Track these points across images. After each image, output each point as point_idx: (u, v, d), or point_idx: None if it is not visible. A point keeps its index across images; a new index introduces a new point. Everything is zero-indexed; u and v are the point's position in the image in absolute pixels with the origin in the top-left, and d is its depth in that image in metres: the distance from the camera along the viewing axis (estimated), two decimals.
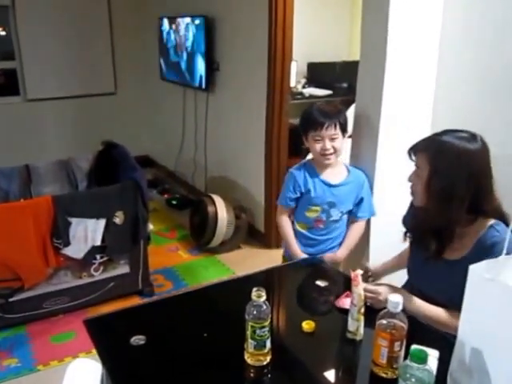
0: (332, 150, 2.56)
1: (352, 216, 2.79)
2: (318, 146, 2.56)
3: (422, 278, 2.08)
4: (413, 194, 1.99)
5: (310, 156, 2.74)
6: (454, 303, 1.79)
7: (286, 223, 2.77)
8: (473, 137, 1.84)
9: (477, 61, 2.82)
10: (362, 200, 2.73)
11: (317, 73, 7.72)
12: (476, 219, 1.88)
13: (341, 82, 7.47)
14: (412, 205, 2.13)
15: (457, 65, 2.92)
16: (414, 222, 2.09)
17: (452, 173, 1.82)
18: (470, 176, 1.81)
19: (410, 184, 2.00)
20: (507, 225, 1.85)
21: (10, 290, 3.32)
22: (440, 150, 1.84)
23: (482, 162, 1.84)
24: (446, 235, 1.90)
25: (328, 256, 2.70)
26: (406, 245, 2.27)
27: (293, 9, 4.18)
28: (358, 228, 2.80)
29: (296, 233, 2.78)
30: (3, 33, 6.15)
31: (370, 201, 2.79)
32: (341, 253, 2.76)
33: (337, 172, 2.69)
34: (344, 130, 2.60)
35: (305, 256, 2.68)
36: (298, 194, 2.67)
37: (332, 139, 2.55)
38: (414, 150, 1.94)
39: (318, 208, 2.66)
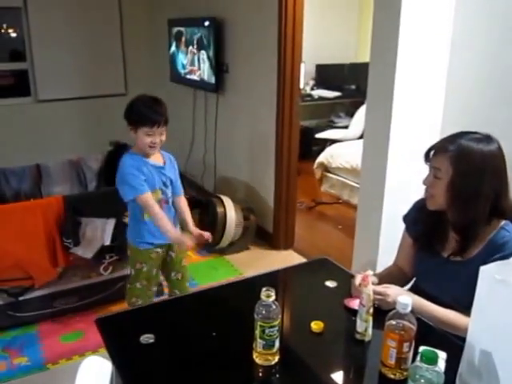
0: (159, 143, 2.77)
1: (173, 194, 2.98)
2: (148, 140, 2.73)
3: (431, 280, 2.08)
4: (429, 196, 1.98)
5: (132, 149, 2.88)
6: (461, 304, 1.80)
7: (159, 209, 2.81)
8: (489, 138, 1.88)
9: (487, 63, 2.82)
10: (175, 179, 2.98)
11: (325, 74, 7.73)
12: (491, 220, 1.90)
13: (349, 83, 7.49)
14: (419, 209, 2.13)
15: (467, 67, 2.92)
16: (428, 224, 2.08)
17: (478, 173, 1.84)
18: (493, 175, 1.85)
19: (424, 187, 1.99)
20: None
21: (20, 289, 3.35)
22: (463, 151, 1.85)
23: (501, 161, 1.88)
24: (471, 233, 1.91)
25: (196, 234, 2.88)
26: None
27: (303, 11, 4.19)
28: (185, 202, 3.04)
29: (146, 225, 2.87)
30: (15, 34, 6.20)
31: (179, 180, 3.04)
32: (196, 229, 2.93)
33: (157, 156, 2.88)
34: (167, 122, 2.80)
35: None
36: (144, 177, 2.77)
37: (161, 134, 2.77)
38: (432, 153, 1.94)
39: (158, 191, 2.83)
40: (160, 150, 2.91)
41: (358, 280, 1.95)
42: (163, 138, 2.79)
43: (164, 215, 2.79)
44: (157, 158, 2.88)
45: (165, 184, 2.87)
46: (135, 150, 2.84)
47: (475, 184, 1.84)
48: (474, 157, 1.84)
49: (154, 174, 2.81)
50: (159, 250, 2.94)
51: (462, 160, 1.84)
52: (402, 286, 2.15)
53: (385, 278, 2.14)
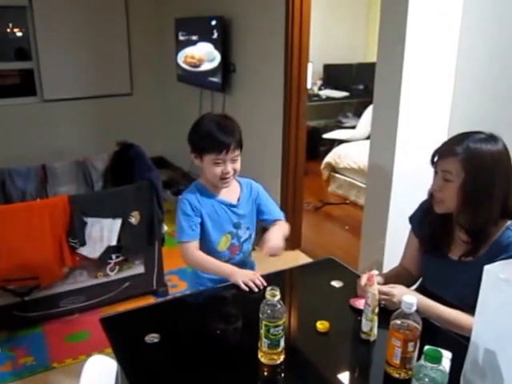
0: (232, 173, 2.26)
1: (266, 224, 2.45)
2: (218, 170, 2.22)
3: (437, 280, 2.07)
4: (438, 201, 1.95)
5: (200, 179, 2.40)
6: (467, 304, 1.79)
7: (202, 254, 2.31)
8: (494, 137, 1.86)
9: (495, 62, 2.81)
10: (262, 207, 2.45)
11: (333, 74, 7.72)
12: (497, 220, 1.88)
13: (357, 83, 7.48)
14: (425, 211, 2.12)
15: (475, 66, 2.91)
16: (434, 226, 2.07)
17: (490, 174, 1.83)
18: (503, 175, 1.84)
19: (428, 190, 1.97)
20: None
21: (26, 289, 3.36)
22: (474, 153, 1.83)
23: (508, 160, 1.87)
24: (483, 235, 1.90)
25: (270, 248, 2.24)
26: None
27: (310, 10, 4.18)
28: (280, 224, 2.42)
29: (208, 279, 2.39)
30: (20, 33, 6.22)
31: (273, 204, 2.50)
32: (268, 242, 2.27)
33: (232, 189, 2.39)
34: (242, 146, 2.30)
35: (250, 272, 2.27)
36: (200, 219, 2.29)
37: (233, 161, 2.25)
38: (440, 156, 1.92)
39: (228, 235, 2.35)
40: (237, 178, 2.40)
41: (363, 280, 1.94)
42: (237, 166, 2.27)
43: (208, 257, 2.30)
44: (230, 192, 2.38)
45: (236, 225, 2.37)
46: (203, 180, 2.36)
47: (487, 185, 1.83)
48: (485, 158, 1.82)
49: (221, 214, 2.33)
50: None
51: (473, 162, 1.82)
52: (409, 286, 2.14)
53: (391, 278, 2.13)
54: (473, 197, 1.85)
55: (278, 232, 2.33)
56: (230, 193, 2.38)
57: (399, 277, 2.19)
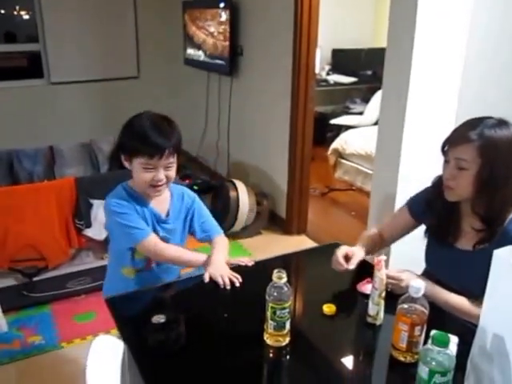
0: (165, 181, 2.02)
1: (203, 241, 2.28)
2: (148, 176, 1.98)
3: (443, 268, 2.06)
4: (450, 189, 1.90)
5: (129, 182, 2.15)
6: (473, 292, 1.79)
7: (172, 246, 2.15)
8: (504, 122, 1.83)
9: (505, 47, 2.79)
10: (198, 221, 2.24)
11: (341, 59, 7.68)
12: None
13: (365, 69, 7.43)
14: (431, 200, 2.09)
15: (484, 55, 2.89)
16: (441, 215, 2.05)
17: (506, 160, 1.80)
18: None
19: (446, 181, 1.91)
20: None
21: (34, 270, 3.38)
22: (490, 139, 1.79)
23: None
24: (498, 221, 1.87)
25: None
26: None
27: None
28: (222, 243, 2.25)
29: (122, 281, 2.19)
30: (27, 16, 6.20)
31: (210, 217, 2.29)
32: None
33: (162, 199, 2.15)
34: (179, 152, 2.05)
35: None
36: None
37: (167, 168, 2.00)
38: (452, 144, 1.88)
39: None
40: (169, 186, 2.14)
41: (340, 255, 2.05)
42: (171, 173, 2.02)
43: (180, 248, 2.18)
44: (160, 202, 2.15)
45: (165, 239, 2.14)
46: (133, 184, 2.11)
47: (504, 171, 1.80)
48: (501, 144, 1.79)
49: (152, 225, 2.11)
50: None
51: (490, 149, 1.79)
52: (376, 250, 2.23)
53: (366, 242, 2.25)
54: (490, 183, 1.81)
55: (220, 254, 2.16)
56: (160, 203, 2.15)
57: (373, 242, 2.28)
